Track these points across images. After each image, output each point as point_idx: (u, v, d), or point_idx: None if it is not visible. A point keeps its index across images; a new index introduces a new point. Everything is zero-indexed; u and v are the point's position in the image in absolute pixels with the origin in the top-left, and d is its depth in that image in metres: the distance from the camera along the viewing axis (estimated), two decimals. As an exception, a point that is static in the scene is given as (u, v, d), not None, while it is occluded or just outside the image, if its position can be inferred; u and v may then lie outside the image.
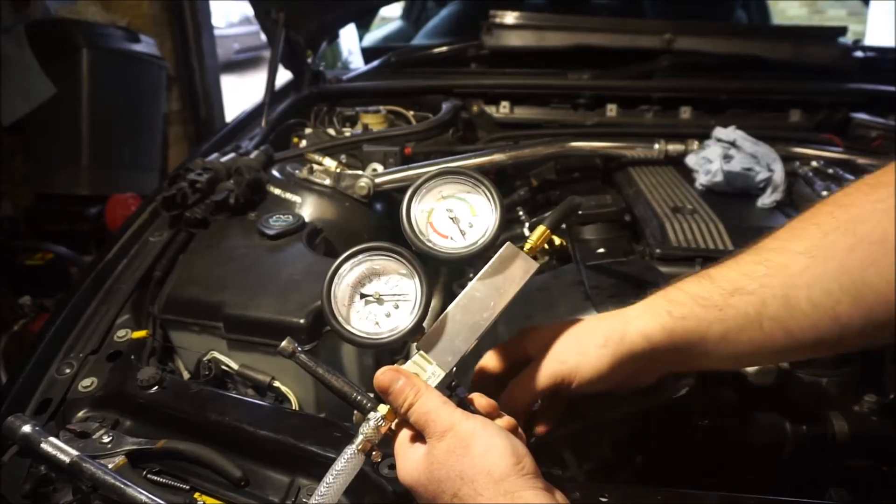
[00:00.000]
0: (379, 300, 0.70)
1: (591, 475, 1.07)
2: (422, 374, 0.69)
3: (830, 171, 1.48)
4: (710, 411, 1.12)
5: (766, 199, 1.43)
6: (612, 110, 2.03)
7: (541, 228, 0.77)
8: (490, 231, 0.71)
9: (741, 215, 1.39)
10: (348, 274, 0.70)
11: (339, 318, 0.69)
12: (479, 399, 0.70)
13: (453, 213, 0.73)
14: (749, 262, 0.70)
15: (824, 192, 1.37)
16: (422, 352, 0.70)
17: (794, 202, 1.44)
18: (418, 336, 0.70)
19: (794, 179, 1.48)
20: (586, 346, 0.73)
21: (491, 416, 0.68)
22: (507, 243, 0.74)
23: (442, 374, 0.69)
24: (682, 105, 2.01)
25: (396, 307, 0.70)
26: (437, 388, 0.68)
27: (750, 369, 1.03)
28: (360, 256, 0.70)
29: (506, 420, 0.69)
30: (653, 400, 1.02)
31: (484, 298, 0.72)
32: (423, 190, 0.73)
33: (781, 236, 0.70)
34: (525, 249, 0.75)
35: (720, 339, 0.70)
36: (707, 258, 1.25)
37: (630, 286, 1.08)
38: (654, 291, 0.76)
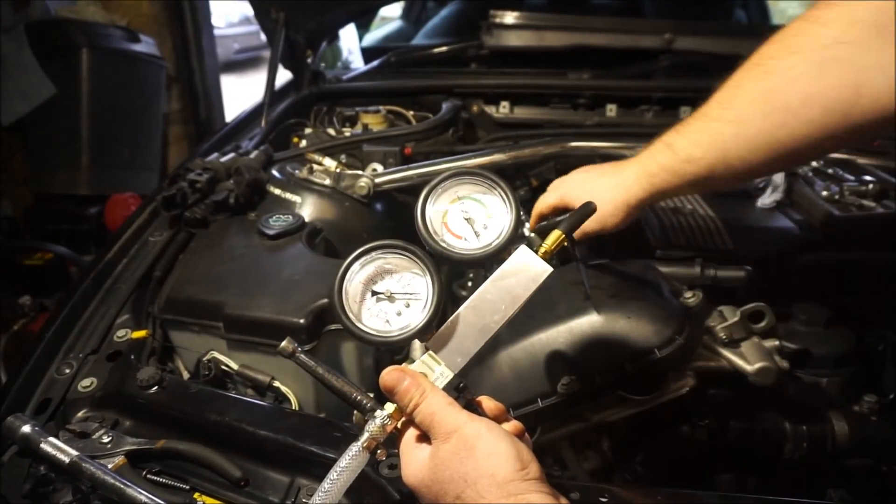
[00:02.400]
0: (390, 298, 0.69)
1: (591, 475, 1.07)
2: (430, 375, 0.68)
3: (830, 170, 1.48)
4: (711, 411, 1.12)
5: (765, 199, 1.43)
6: (611, 110, 2.03)
7: (556, 233, 0.75)
8: (505, 233, 0.71)
9: (741, 215, 1.39)
10: (360, 271, 0.70)
11: (350, 315, 0.68)
12: (487, 402, 0.70)
13: (468, 213, 0.72)
14: (696, 131, 0.91)
15: (824, 193, 1.37)
16: (431, 352, 0.70)
17: (794, 202, 1.44)
18: (428, 336, 0.70)
19: (793, 179, 1.47)
20: (605, 211, 0.99)
21: (498, 419, 0.68)
22: (522, 246, 0.73)
23: (450, 375, 0.69)
24: (682, 105, 2.01)
25: (408, 306, 0.69)
26: (444, 389, 0.67)
27: (750, 369, 1.03)
28: (373, 254, 0.70)
29: (513, 424, 0.68)
30: (653, 400, 1.02)
31: (496, 301, 0.71)
32: (438, 190, 0.72)
33: (719, 102, 0.89)
34: (539, 253, 0.73)
35: (678, 190, 0.97)
36: (707, 258, 1.25)
37: (630, 286, 1.08)
38: (638, 156, 0.99)
